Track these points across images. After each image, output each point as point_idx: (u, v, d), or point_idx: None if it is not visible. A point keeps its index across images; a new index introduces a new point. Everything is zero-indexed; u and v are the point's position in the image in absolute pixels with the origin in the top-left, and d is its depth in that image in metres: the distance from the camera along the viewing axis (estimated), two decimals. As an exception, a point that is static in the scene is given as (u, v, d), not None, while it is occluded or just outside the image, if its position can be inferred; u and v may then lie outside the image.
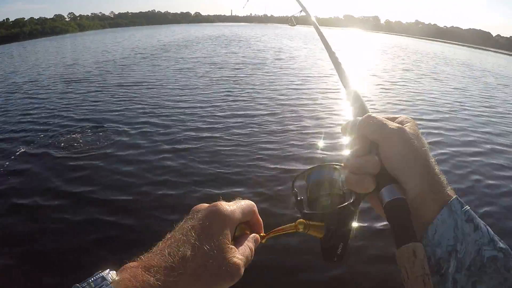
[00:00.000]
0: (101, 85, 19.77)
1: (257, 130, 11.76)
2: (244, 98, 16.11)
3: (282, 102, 15.51)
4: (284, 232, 1.18)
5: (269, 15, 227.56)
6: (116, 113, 13.95)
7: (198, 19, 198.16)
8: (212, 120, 12.73)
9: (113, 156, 9.73)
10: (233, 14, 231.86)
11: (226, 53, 35.58)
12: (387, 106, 15.57)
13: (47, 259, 5.83)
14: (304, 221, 1.17)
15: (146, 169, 8.86)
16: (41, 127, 12.60)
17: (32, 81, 22.11)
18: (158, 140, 10.78)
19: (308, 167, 1.21)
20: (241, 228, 1.04)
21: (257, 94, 17.02)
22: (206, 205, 0.95)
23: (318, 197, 1.25)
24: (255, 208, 1.05)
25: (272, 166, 8.93)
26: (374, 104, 15.64)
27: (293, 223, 1.18)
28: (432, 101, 17.12)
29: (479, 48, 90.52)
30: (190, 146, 10.31)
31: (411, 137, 0.92)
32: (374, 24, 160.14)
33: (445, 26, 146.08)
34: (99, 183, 8.23)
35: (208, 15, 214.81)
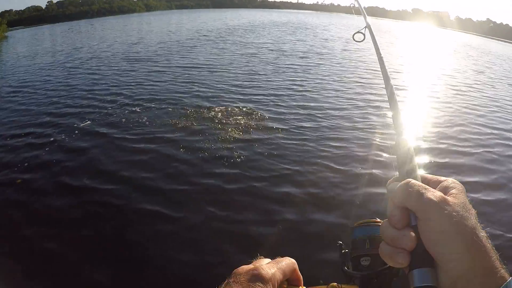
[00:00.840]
0: (165, 65, 19.51)
1: (324, 125, 10.96)
2: (311, 89, 15.27)
3: (350, 96, 14.58)
4: None
5: (336, 4, 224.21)
6: (180, 95, 13.53)
7: (264, 4, 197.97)
8: (278, 110, 12.02)
9: (173, 141, 9.23)
10: (299, 1, 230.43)
11: (293, 40, 34.69)
12: (463, 112, 14.23)
13: (91, 246, 5.66)
14: (336, 285, 1.23)
15: (206, 159, 8.28)
16: (102, 105, 12.48)
17: (97, 57, 22.26)
18: (220, 128, 10.15)
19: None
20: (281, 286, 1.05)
21: (324, 85, 16.15)
22: (248, 267, 0.93)
23: (359, 256, 1.27)
24: (296, 266, 1.04)
25: (336, 167, 8.12)
26: (451, 107, 14.43)
27: (326, 286, 1.23)
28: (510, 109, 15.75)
29: None
30: (255, 136, 9.67)
31: (455, 209, 0.80)
32: (444, 20, 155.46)
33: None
34: (156, 169, 7.77)
35: (274, 1, 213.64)
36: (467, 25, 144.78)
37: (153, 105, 12.25)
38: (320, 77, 17.83)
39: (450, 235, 0.77)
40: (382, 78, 1.33)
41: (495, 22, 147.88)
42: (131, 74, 17.29)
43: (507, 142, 10.96)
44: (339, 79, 17.82)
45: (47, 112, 12.06)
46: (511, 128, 12.62)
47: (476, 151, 9.89)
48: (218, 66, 19.27)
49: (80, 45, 29.48)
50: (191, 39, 32.03)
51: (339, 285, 1.18)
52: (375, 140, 9.86)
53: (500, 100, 16.85)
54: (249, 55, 23.63)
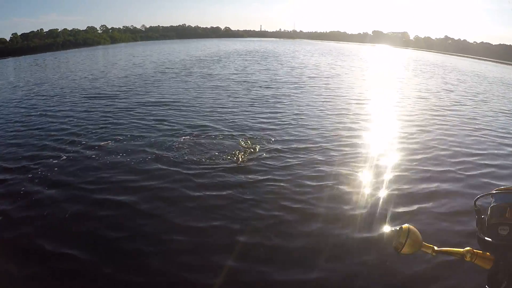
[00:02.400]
0: (129, 102, 18.71)
1: (296, 162, 10.42)
2: (290, 121, 14.84)
3: (327, 126, 14.19)
4: (450, 254, 1.36)
5: (298, 30, 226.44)
6: (144, 134, 12.76)
7: (227, 34, 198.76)
8: (252, 146, 11.30)
9: (136, 188, 8.48)
10: (262, 29, 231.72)
11: (261, 69, 34.63)
12: (436, 133, 13.99)
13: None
14: (472, 250, 1.31)
15: (172, 204, 7.58)
16: (59, 147, 11.56)
17: (58, 95, 21.29)
18: (189, 168, 9.46)
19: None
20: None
21: (300, 116, 15.77)
22: None
23: (496, 224, 1.31)
24: None
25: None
26: (425, 129, 14.15)
27: (462, 250, 1.33)
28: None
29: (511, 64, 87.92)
30: (228, 178, 9.00)
31: None
32: (404, 40, 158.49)
33: (475, 42, 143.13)
34: (123, 229, 7.14)
35: (238, 30, 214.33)
36: (426, 44, 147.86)
37: (113, 146, 11.47)
38: (294, 107, 17.52)
39: None
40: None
41: (453, 38, 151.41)
42: (91, 112, 16.41)
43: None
44: (312, 107, 17.62)
45: None
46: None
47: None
48: (185, 101, 18.50)
49: (41, 81, 28.39)
50: (156, 73, 31.29)
51: (475, 250, 1.26)
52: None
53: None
54: (216, 87, 23.09)
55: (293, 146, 11.66)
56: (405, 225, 1.76)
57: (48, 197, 8.11)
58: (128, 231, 6.80)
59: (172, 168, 9.65)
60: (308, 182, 8.92)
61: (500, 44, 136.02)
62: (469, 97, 24.04)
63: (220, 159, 10.26)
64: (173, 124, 14.10)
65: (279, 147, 11.46)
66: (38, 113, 16.62)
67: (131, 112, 16.25)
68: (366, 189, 8.68)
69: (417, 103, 20.29)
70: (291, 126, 14.08)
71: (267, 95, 20.54)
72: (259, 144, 11.59)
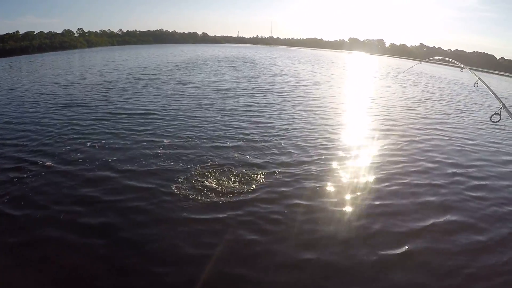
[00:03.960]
0: (104, 111, 17.90)
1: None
2: (276, 133, 14.33)
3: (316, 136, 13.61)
4: None
5: (275, 37, 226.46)
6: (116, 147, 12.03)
7: (205, 39, 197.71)
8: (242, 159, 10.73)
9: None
10: (239, 36, 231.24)
11: (240, 77, 34.02)
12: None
13: None
14: None
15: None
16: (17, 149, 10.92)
17: (32, 101, 20.21)
18: (169, 186, 8.80)
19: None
20: None
21: (287, 130, 15.18)
22: None
23: None
24: None
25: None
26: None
27: None
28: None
29: (485, 72, 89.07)
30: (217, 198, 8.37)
31: None
32: (380, 47, 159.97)
33: (449, 50, 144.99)
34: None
35: (215, 36, 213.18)
36: (402, 51, 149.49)
37: (85, 158, 10.74)
38: (279, 118, 16.96)
39: None
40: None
41: (428, 46, 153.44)
42: (63, 122, 15.52)
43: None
44: (297, 118, 17.17)
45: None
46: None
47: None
48: (162, 110, 17.82)
49: (13, 86, 27.07)
50: (132, 80, 30.26)
51: None
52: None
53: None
54: (196, 96, 22.37)
55: (278, 159, 11.22)
56: None
57: (13, 217, 7.54)
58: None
59: (147, 185, 9.11)
60: (296, 201, 8.50)
61: (474, 52, 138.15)
62: (452, 106, 23.83)
63: (202, 172, 9.82)
64: (150, 135, 13.46)
65: (266, 160, 11.06)
66: (5, 122, 15.70)
67: (106, 122, 15.45)
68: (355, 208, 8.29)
69: (403, 112, 19.93)
70: (276, 139, 13.54)
71: (251, 104, 20.07)
72: (244, 158, 11.15)
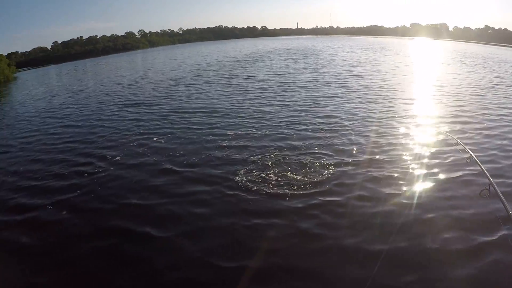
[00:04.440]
0: (170, 109, 18.17)
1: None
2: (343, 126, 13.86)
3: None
4: None
5: (335, 26, 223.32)
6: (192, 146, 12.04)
7: (264, 33, 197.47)
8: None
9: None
10: (299, 27, 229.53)
11: (303, 68, 33.21)
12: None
13: None
14: None
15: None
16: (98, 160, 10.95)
17: (93, 103, 20.50)
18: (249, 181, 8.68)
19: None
20: None
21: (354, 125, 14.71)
22: None
23: None
24: None
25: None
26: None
27: None
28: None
29: None
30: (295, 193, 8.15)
31: None
32: (443, 32, 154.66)
33: None
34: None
35: (275, 29, 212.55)
36: (466, 35, 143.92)
37: (160, 157, 10.76)
38: (344, 110, 16.09)
39: None
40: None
41: (494, 28, 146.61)
42: (128, 121, 15.74)
43: None
44: (363, 109, 16.28)
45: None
46: None
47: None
48: (226, 107, 17.63)
49: (79, 88, 28.07)
50: (194, 76, 30.70)
51: None
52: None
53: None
54: (260, 90, 21.98)
55: (344, 151, 10.81)
56: None
57: (84, 210, 7.86)
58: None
59: (211, 178, 9.08)
60: (363, 193, 8.11)
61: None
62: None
63: (265, 165, 9.65)
64: (213, 130, 13.41)
65: (331, 152, 10.67)
66: (74, 121, 15.99)
67: (169, 119, 15.62)
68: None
69: (473, 99, 18.79)
70: (342, 130, 12.98)
71: (314, 96, 19.53)
72: (309, 150, 10.86)
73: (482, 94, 19.89)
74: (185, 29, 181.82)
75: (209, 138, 12.43)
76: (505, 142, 11.34)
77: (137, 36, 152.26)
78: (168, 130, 13.73)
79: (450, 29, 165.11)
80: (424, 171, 9.24)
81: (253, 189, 8.28)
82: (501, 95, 19.53)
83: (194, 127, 13.93)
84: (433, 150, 10.72)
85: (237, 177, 8.90)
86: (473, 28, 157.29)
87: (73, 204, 8.14)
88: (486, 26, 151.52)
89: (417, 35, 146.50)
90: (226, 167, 9.70)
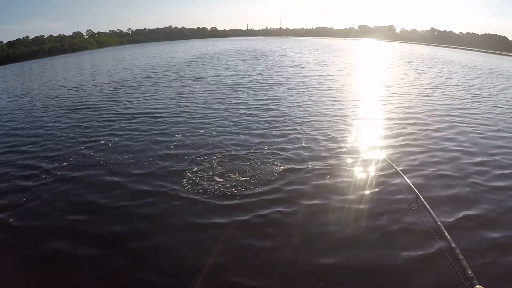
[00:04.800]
0: (115, 113, 17.58)
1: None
2: (290, 129, 13.86)
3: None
4: None
5: (284, 28, 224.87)
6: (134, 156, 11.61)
7: (214, 34, 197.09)
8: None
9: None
10: (249, 28, 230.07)
11: (252, 69, 33.42)
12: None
13: None
14: None
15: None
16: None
17: (38, 107, 19.95)
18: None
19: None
20: None
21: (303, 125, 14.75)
22: None
23: None
24: None
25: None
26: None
27: None
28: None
29: (497, 53, 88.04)
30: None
31: None
32: (390, 34, 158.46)
33: (461, 33, 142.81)
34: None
35: (225, 30, 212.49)
36: (413, 36, 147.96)
37: (97, 164, 10.38)
38: (294, 113, 16.16)
39: None
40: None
41: (439, 30, 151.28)
42: (74, 126, 15.24)
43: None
44: (313, 110, 16.55)
45: None
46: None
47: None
48: (173, 110, 17.37)
49: (23, 91, 27.00)
50: (141, 78, 30.10)
51: None
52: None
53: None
54: (208, 92, 21.82)
55: (293, 155, 10.75)
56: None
57: (19, 229, 7.28)
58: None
59: (154, 189, 8.77)
60: (311, 200, 8.05)
61: (486, 34, 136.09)
62: (470, 91, 23.17)
63: (212, 173, 9.40)
64: (159, 135, 13.09)
65: (280, 156, 10.57)
66: (15, 128, 15.50)
67: (114, 124, 15.13)
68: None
69: (419, 99, 19.36)
70: (290, 133, 13.07)
71: (263, 98, 19.58)
72: (257, 154, 10.78)
73: (428, 93, 20.66)
74: (134, 29, 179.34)
75: (156, 142, 12.26)
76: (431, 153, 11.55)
77: (85, 36, 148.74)
78: (111, 136, 13.26)
79: (397, 31, 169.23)
80: (373, 173, 9.44)
81: (199, 199, 8.11)
82: (446, 94, 20.40)
83: (139, 133, 13.55)
84: (383, 150, 11.16)
85: (182, 188, 8.68)
86: (419, 30, 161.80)
87: (6, 225, 7.54)
88: (432, 28, 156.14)
89: (365, 37, 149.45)
90: (172, 177, 9.44)
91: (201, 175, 9.26)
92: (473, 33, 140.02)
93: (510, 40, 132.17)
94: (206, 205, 7.83)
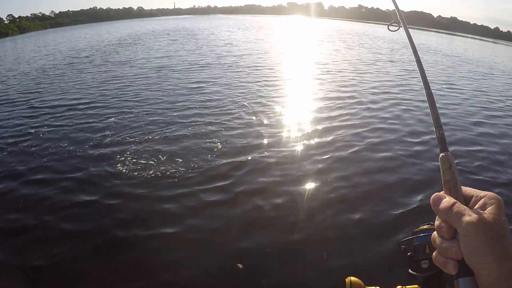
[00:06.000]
0: (36, 105, 15.90)
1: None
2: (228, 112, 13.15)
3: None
4: None
5: (212, 6, 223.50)
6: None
7: (141, 14, 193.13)
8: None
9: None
10: (176, 7, 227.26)
11: (183, 50, 32.59)
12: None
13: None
14: (405, 287, 1.67)
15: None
16: None
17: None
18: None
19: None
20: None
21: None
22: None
23: (420, 259, 1.63)
24: None
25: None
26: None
27: None
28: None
29: (422, 30, 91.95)
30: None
31: (490, 228, 0.92)
32: (318, 10, 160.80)
33: (387, 10, 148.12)
34: None
35: (151, 9, 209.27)
36: (341, 13, 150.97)
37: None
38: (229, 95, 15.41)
39: (483, 249, 0.90)
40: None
41: (367, 7, 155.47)
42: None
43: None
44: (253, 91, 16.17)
45: None
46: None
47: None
48: (103, 98, 16.05)
49: None
50: (69, 65, 27.82)
51: (405, 286, 1.60)
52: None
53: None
54: (137, 76, 20.67)
55: (222, 141, 10.16)
56: (347, 278, 1.87)
57: None
58: None
59: (78, 199, 7.67)
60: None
61: (411, 11, 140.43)
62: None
63: (137, 167, 8.77)
64: (90, 126, 12.00)
65: (211, 142, 10.01)
66: None
67: (29, 120, 13.46)
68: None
69: (356, 76, 19.32)
70: (222, 118, 12.48)
71: (194, 80, 18.83)
72: (188, 141, 10.31)
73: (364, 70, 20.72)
74: (57, 12, 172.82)
75: (82, 133, 11.34)
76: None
77: (6, 22, 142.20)
78: (36, 130, 11.97)
79: (325, 7, 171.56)
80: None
81: (133, 178, 8.08)
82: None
83: (65, 123, 12.39)
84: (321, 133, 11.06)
85: (116, 171, 8.48)
86: (347, 7, 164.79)
87: None
88: (359, 5, 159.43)
89: (293, 13, 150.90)
90: (105, 160, 9.08)
91: (133, 162, 8.93)
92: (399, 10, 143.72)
93: (435, 17, 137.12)
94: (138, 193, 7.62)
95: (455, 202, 0.99)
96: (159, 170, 8.52)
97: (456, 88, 18.43)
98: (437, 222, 1.02)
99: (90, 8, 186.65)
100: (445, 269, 0.98)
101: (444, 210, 0.99)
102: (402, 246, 1.75)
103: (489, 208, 0.95)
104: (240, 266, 5.57)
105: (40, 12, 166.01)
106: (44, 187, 8.12)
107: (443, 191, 1.07)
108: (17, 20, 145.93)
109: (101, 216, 6.96)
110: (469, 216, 0.93)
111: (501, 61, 40.69)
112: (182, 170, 8.52)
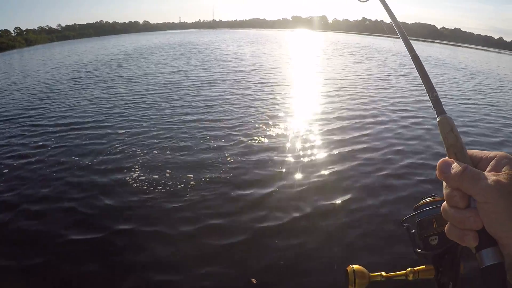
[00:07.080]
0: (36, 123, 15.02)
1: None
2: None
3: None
4: (396, 277, 1.47)
5: (217, 20, 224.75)
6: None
7: (146, 28, 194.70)
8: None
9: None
10: (181, 21, 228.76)
11: (192, 65, 31.80)
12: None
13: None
14: (413, 269, 1.48)
15: None
16: None
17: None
18: None
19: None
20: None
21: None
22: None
23: (427, 236, 1.47)
24: None
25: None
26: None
27: (404, 271, 1.48)
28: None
29: (427, 41, 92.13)
30: None
31: (509, 189, 0.81)
32: (323, 24, 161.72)
33: (391, 22, 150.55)
34: None
35: (157, 23, 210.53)
36: (345, 26, 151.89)
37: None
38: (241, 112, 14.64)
39: (507, 215, 0.79)
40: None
41: (370, 19, 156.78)
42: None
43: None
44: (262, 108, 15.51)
45: None
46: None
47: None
48: (97, 117, 15.21)
49: None
50: (71, 80, 27.10)
51: (415, 268, 1.43)
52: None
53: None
54: (143, 93, 19.79)
55: (229, 158, 9.36)
56: (349, 267, 1.70)
57: None
58: None
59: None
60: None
61: (416, 23, 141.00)
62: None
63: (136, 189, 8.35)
64: (96, 148, 11.08)
65: (215, 159, 9.60)
66: None
67: (28, 139, 12.54)
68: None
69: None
70: (227, 132, 12.07)
71: (205, 97, 18.07)
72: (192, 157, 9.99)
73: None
74: (64, 25, 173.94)
75: (86, 149, 10.99)
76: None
77: (13, 34, 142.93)
78: (39, 145, 11.56)
79: (330, 21, 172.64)
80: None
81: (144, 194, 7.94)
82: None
83: (55, 148, 11.37)
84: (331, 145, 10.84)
85: (123, 181, 8.48)
86: (351, 20, 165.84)
87: None
88: (363, 18, 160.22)
89: (297, 27, 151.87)
90: (111, 174, 8.91)
91: (141, 179, 8.71)
92: (403, 22, 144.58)
93: (439, 28, 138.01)
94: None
95: (467, 166, 0.87)
96: (167, 183, 8.43)
97: (472, 104, 17.78)
98: (446, 191, 0.89)
99: (96, 22, 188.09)
100: (463, 242, 0.86)
101: (455, 176, 0.87)
102: (404, 224, 1.62)
103: (504, 168, 0.85)
104: (254, 281, 5.43)
105: (47, 25, 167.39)
106: (45, 194, 8.21)
107: (447, 157, 0.94)
108: (24, 32, 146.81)
109: (105, 220, 7.02)
110: (486, 180, 0.82)
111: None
112: (192, 184, 8.39)
